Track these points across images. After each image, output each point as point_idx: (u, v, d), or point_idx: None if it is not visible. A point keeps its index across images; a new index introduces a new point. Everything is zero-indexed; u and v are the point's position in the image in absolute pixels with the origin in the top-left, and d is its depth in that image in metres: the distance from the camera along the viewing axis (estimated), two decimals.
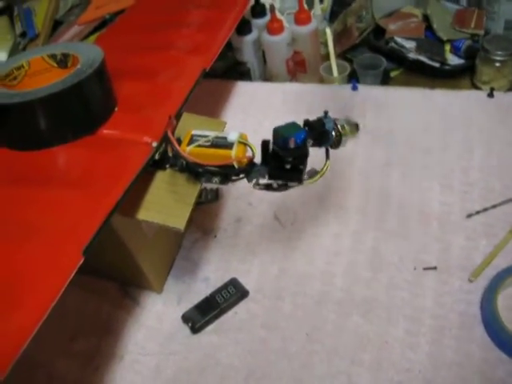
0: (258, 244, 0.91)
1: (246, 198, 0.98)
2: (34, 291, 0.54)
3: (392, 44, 1.25)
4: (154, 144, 0.71)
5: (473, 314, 0.76)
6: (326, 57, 1.20)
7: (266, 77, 1.28)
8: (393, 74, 1.24)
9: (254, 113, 1.15)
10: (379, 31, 1.29)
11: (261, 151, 0.69)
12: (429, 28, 1.25)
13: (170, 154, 0.73)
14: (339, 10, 1.32)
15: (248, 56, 1.24)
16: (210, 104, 1.18)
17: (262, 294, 0.84)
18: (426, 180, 0.95)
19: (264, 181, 0.71)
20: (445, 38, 1.21)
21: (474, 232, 0.86)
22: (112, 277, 0.89)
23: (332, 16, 1.35)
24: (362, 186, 0.97)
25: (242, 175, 0.70)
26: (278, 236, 0.92)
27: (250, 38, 1.21)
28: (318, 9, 1.28)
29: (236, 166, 0.69)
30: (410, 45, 1.23)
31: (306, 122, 0.68)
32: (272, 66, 1.24)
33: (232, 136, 0.69)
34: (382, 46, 1.27)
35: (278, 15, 1.20)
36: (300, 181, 0.68)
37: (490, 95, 1.08)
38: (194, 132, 0.71)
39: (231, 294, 0.83)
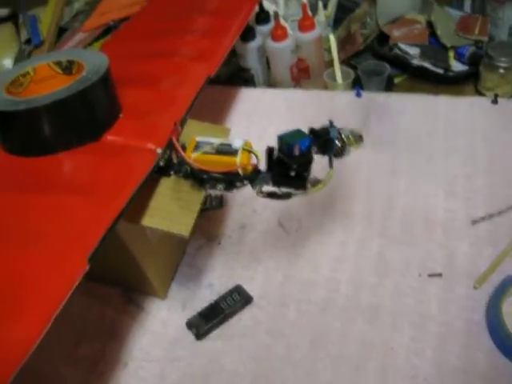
0: (263, 251, 0.91)
1: (250, 205, 0.98)
2: (38, 299, 0.54)
3: (396, 50, 1.25)
4: (159, 151, 0.71)
5: (478, 321, 0.76)
6: (330, 63, 1.21)
7: (270, 83, 1.29)
8: (397, 80, 1.24)
9: (258, 119, 1.15)
10: (383, 38, 1.29)
11: (265, 158, 0.69)
12: (433, 34, 1.25)
13: (175, 161, 0.73)
14: (343, 16, 1.33)
15: (252, 62, 1.25)
16: (215, 110, 1.18)
17: (266, 301, 0.84)
18: (430, 186, 0.95)
19: (268, 188, 0.71)
20: (449, 45, 1.21)
21: (478, 238, 0.86)
22: (116, 283, 0.89)
23: (336, 22, 1.35)
24: (366, 192, 0.97)
25: (246, 182, 0.71)
26: (283, 243, 0.92)
27: (254, 45, 1.22)
28: (321, 15, 1.29)
29: (241, 172, 0.69)
30: (413, 51, 1.23)
31: (311, 130, 0.68)
32: (276, 73, 1.25)
33: (237, 143, 0.69)
34: (386, 52, 1.27)
35: (282, 22, 1.21)
36: (304, 188, 0.69)
37: (494, 102, 1.08)
38: (198, 139, 0.71)
39: (235, 301, 0.83)
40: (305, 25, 1.17)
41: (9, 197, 0.66)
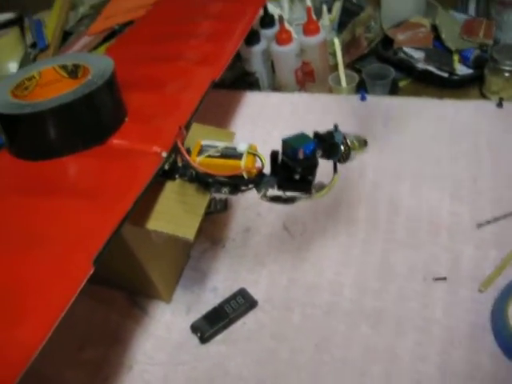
0: (267, 254, 0.91)
1: (254, 208, 0.98)
2: (42, 302, 0.54)
3: (400, 54, 1.25)
4: (164, 154, 0.71)
5: (483, 325, 0.76)
6: (335, 67, 1.21)
7: (275, 87, 1.29)
8: (401, 84, 1.24)
9: (263, 123, 1.16)
10: (388, 41, 1.29)
11: (270, 162, 0.69)
12: (437, 38, 1.25)
13: (180, 165, 0.73)
14: (347, 20, 1.33)
15: (257, 66, 1.25)
16: (219, 114, 1.18)
17: (270, 305, 0.84)
18: (435, 190, 0.95)
19: (273, 192, 0.71)
20: (453, 48, 1.21)
21: (483, 242, 0.86)
22: (120, 286, 0.89)
23: (340, 26, 1.35)
24: (370, 195, 0.97)
25: (251, 185, 0.71)
26: (287, 246, 0.92)
27: (258, 49, 1.22)
28: (326, 19, 1.29)
29: (245, 176, 0.69)
30: (418, 55, 1.23)
31: (316, 134, 0.68)
32: (281, 77, 1.25)
33: (241, 146, 0.69)
34: (391, 56, 1.27)
35: (287, 26, 1.21)
36: (309, 192, 0.69)
37: (499, 105, 1.08)
38: (203, 142, 0.72)
39: (240, 304, 0.83)
40: (309, 29, 1.17)
41: (14, 200, 0.66)
